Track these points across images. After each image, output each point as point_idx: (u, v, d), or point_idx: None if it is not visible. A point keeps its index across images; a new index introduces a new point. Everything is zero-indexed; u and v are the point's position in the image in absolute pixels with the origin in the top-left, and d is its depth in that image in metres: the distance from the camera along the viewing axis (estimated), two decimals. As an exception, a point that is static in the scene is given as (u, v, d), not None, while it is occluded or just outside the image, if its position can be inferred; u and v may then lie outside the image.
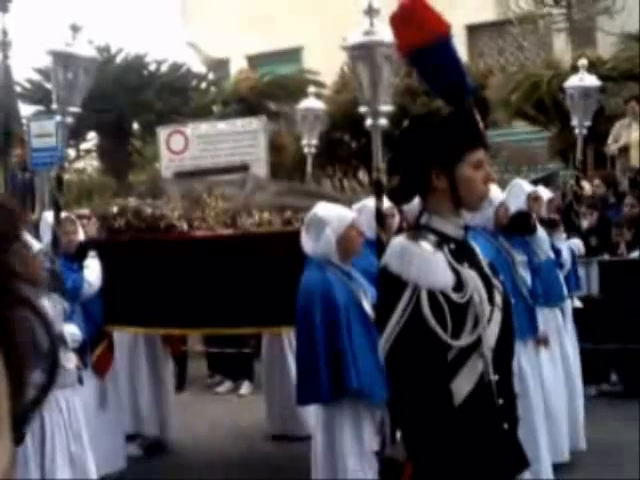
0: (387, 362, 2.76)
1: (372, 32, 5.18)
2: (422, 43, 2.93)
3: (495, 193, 5.57)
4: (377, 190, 5.32)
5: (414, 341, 2.67)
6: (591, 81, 8.36)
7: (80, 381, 5.32)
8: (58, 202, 5.83)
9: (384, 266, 2.78)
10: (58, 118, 5.69)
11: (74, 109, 5.63)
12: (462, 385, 2.70)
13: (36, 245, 5.20)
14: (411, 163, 2.84)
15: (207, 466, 6.79)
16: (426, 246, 2.73)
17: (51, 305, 4.99)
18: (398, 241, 2.82)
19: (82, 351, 5.32)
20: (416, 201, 2.93)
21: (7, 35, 11.98)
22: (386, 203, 5.23)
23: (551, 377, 6.15)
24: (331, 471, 4.77)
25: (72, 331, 5.17)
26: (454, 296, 2.69)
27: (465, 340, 2.70)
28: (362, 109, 5.32)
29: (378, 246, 5.03)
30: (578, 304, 7.31)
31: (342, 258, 4.88)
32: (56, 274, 5.24)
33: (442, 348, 2.67)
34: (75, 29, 5.53)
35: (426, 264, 2.70)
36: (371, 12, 5.18)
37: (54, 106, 5.68)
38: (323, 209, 5.02)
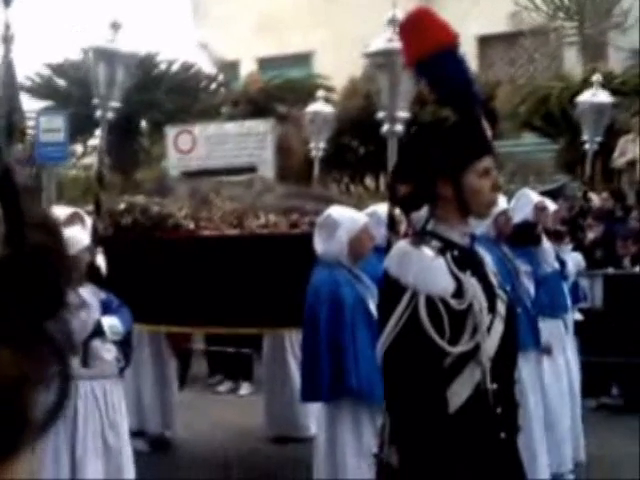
0: (383, 365, 2.77)
1: (394, 40, 5.25)
2: (430, 52, 2.95)
3: (498, 202, 5.58)
4: (391, 195, 5.37)
5: (410, 345, 2.67)
6: (604, 97, 8.34)
7: (121, 373, 5.30)
8: (99, 198, 5.90)
9: (385, 270, 2.79)
10: (99, 113, 5.76)
11: (115, 104, 5.71)
12: (458, 392, 2.69)
13: (84, 241, 5.24)
14: (418, 171, 2.85)
15: (207, 465, 6.79)
16: (427, 251, 2.73)
17: (90, 296, 5.01)
18: (400, 246, 2.84)
19: (125, 344, 5.29)
20: (423, 209, 2.94)
21: (10, 29, 12.03)
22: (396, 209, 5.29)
23: (554, 389, 6.14)
24: (332, 469, 4.82)
25: (112, 323, 5.13)
26: (453, 302, 2.69)
27: (462, 347, 2.69)
28: (380, 114, 5.38)
29: (389, 250, 5.07)
30: (579, 317, 7.29)
31: (352, 260, 4.94)
32: (95, 266, 5.24)
33: (438, 354, 2.67)
34: (115, 26, 5.61)
35: (425, 269, 2.70)
36: (394, 22, 5.25)
37: (95, 101, 5.75)
38: (337, 211, 5.10)
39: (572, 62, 19.18)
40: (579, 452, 6.43)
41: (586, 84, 9.22)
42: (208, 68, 23.00)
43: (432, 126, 3.23)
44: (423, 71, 3.10)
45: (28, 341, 0.66)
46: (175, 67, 21.78)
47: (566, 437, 6.18)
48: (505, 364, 2.81)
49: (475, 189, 2.79)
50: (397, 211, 5.38)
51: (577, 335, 6.93)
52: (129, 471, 5.22)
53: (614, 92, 9.41)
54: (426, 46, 2.96)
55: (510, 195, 6.70)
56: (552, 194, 9.16)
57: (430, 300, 2.66)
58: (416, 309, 2.65)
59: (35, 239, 0.66)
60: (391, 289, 2.75)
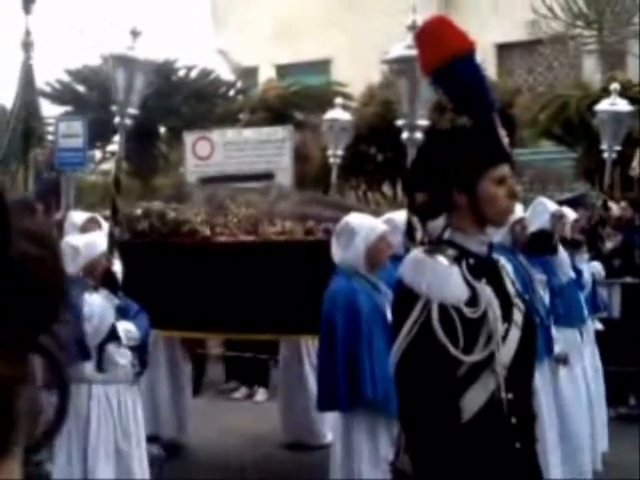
0: (396, 373, 2.75)
1: (413, 46, 5.25)
2: (446, 60, 2.95)
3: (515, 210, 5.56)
4: (409, 203, 5.36)
5: (423, 354, 2.66)
6: (623, 106, 8.30)
7: (136, 378, 5.29)
8: (115, 202, 5.90)
9: (399, 278, 2.78)
10: (117, 120, 5.77)
11: (133, 111, 5.72)
12: (472, 401, 2.67)
13: (101, 246, 5.27)
14: (432, 179, 2.83)
15: (221, 470, 6.79)
16: (441, 260, 2.71)
17: (104, 301, 5.03)
18: (414, 254, 2.83)
19: (141, 350, 5.30)
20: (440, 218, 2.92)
21: (30, 36, 12.13)
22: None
23: (571, 398, 6.09)
24: (348, 476, 4.80)
25: (128, 328, 5.14)
26: (466, 310, 2.67)
27: (476, 356, 2.67)
28: (399, 122, 5.38)
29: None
30: (599, 326, 7.25)
31: (369, 268, 4.92)
32: (111, 271, 5.27)
33: (452, 363, 2.65)
34: (135, 34, 5.64)
35: (438, 277, 2.68)
36: (414, 28, 5.24)
37: (114, 108, 5.76)
38: (355, 219, 5.08)
39: (591, 70, 19.13)
40: (596, 461, 6.39)
41: (605, 92, 9.18)
42: (226, 75, 23.10)
43: (446, 133, 3.20)
44: (439, 79, 3.10)
45: (20, 348, 0.66)
46: (194, 74, 21.90)
47: (584, 446, 6.13)
48: (521, 373, 2.78)
49: (490, 197, 2.77)
50: (415, 218, 5.37)
51: (595, 344, 6.89)
52: (143, 475, 5.23)
53: (632, 100, 9.37)
54: (442, 54, 2.96)
55: (528, 204, 6.67)
56: (572, 203, 9.14)
57: (443, 308, 2.65)
58: (429, 317, 2.64)
59: (24, 249, 0.66)
60: (405, 297, 2.74)
